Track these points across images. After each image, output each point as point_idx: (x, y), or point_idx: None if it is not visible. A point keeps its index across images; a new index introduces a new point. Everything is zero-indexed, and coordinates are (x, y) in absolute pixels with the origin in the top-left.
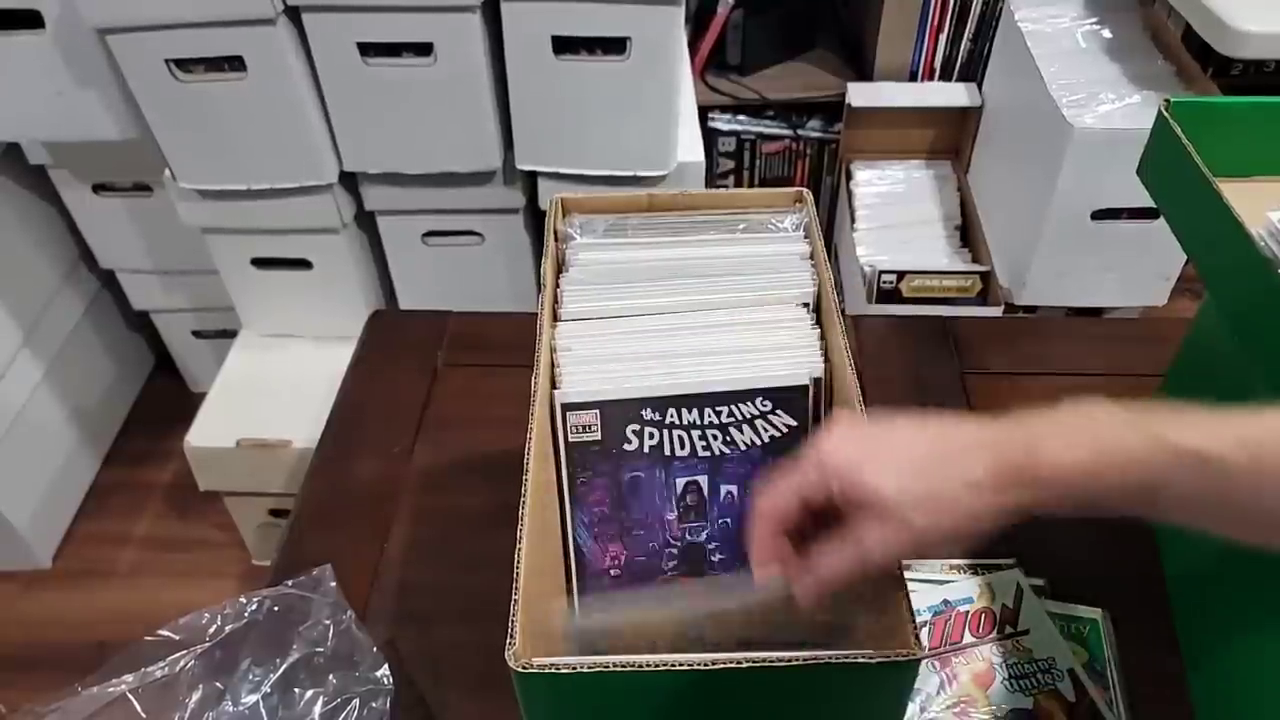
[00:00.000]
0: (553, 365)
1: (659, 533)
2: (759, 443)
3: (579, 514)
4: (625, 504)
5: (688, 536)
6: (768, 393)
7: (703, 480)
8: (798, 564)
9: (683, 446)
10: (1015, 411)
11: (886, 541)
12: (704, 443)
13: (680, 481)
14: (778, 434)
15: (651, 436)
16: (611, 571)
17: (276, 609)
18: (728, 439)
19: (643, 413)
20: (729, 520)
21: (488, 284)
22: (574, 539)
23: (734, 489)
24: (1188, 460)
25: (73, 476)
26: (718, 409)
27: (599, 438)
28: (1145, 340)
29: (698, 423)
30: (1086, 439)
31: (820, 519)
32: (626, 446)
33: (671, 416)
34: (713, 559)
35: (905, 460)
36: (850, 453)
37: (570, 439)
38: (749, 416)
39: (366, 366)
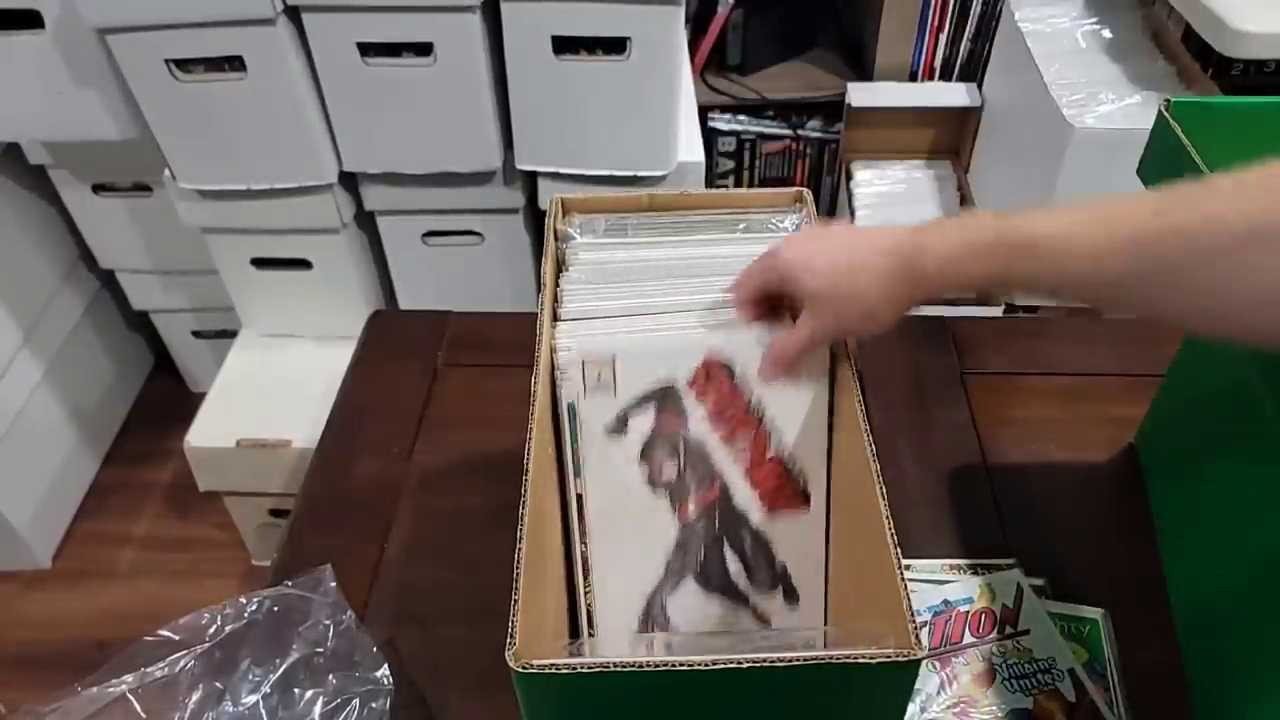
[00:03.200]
0: (553, 366)
1: None
2: None
3: None
4: None
5: None
6: None
7: None
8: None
9: None
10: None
11: (815, 328)
12: None
13: None
14: None
15: None
16: None
17: (276, 609)
18: None
19: None
20: None
21: (488, 284)
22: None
23: None
24: (1021, 247)
25: (72, 476)
26: None
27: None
28: (1145, 340)
29: None
30: (957, 238)
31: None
32: None
33: None
34: None
35: (830, 265)
36: (795, 256)
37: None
38: None
39: (366, 366)
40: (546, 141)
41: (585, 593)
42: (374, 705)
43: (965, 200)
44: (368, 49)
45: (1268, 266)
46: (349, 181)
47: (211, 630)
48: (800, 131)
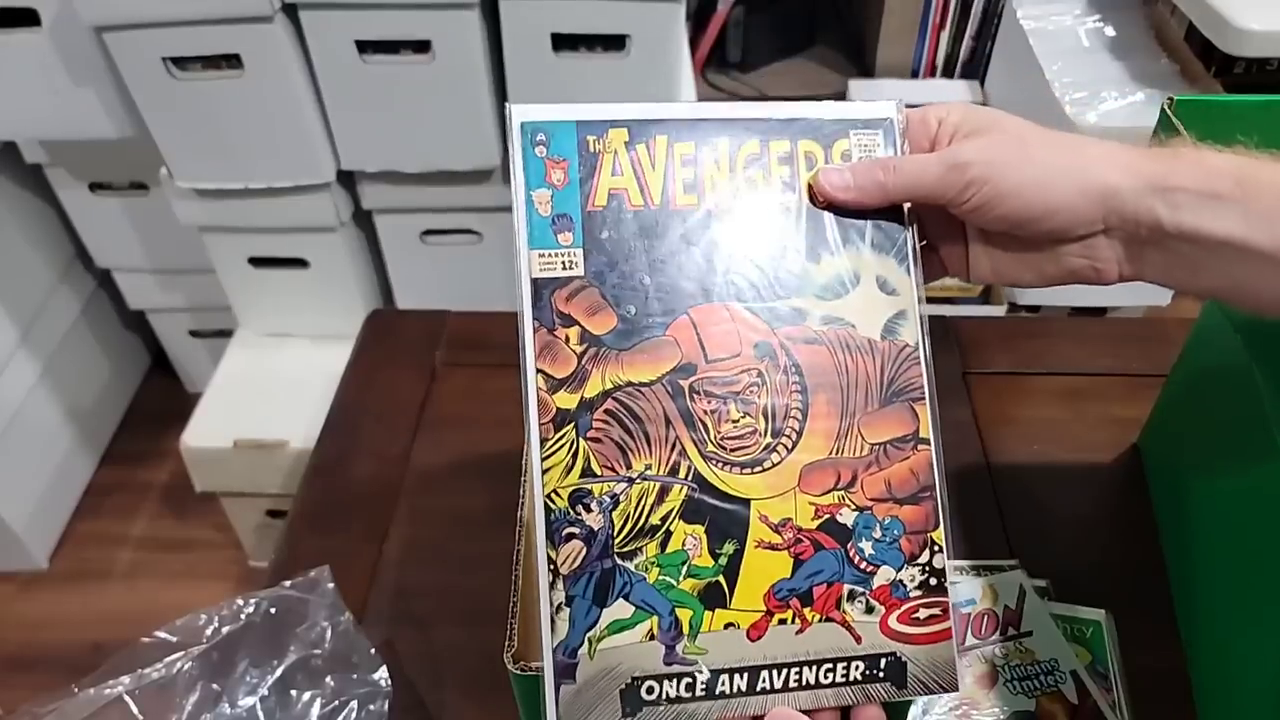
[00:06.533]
0: None
1: None
2: None
3: None
4: None
5: None
6: None
7: None
8: None
9: None
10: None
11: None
12: None
13: None
14: None
15: None
16: None
17: (274, 610)
18: None
19: None
20: None
21: (486, 283)
22: None
23: None
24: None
25: (69, 477)
26: None
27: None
28: (1148, 340)
29: None
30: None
31: None
32: None
33: None
34: None
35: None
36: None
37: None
38: None
39: (364, 366)
40: None
41: None
42: (372, 707)
43: None
44: (365, 46)
45: None
46: (347, 180)
47: (209, 632)
48: None
